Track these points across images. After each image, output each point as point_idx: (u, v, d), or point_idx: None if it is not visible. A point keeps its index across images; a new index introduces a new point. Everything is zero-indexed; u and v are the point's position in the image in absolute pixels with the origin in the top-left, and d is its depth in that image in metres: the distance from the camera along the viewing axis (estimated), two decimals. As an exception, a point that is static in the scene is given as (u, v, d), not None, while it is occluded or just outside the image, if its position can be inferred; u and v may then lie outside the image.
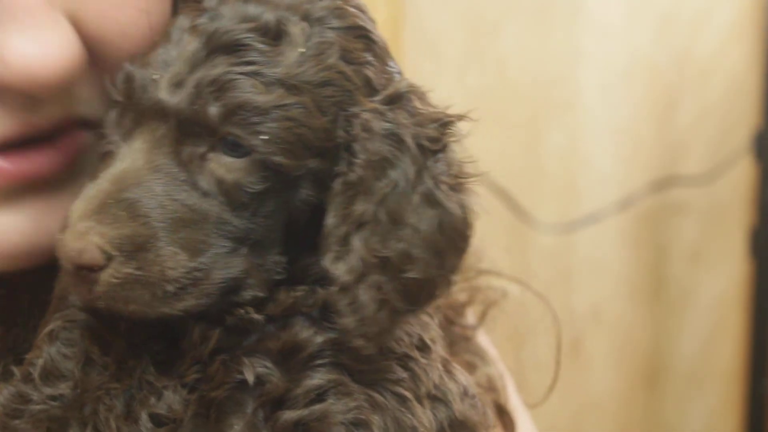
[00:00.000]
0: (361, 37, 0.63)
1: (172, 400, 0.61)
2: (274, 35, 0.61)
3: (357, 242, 0.60)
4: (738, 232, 2.48)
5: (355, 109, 0.61)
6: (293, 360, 0.62)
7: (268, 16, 0.61)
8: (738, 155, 2.43)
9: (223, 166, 0.60)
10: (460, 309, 0.82)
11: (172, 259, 0.59)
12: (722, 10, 2.38)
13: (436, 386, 0.64)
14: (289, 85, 0.60)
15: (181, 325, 0.62)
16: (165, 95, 0.60)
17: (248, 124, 0.59)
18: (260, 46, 0.60)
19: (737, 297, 2.50)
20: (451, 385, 0.65)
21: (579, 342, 2.28)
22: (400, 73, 0.65)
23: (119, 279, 0.58)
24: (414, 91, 0.64)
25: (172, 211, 0.60)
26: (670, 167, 2.37)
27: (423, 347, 0.65)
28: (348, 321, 0.60)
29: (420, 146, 0.62)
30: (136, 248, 0.59)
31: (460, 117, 0.64)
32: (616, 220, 2.30)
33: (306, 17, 0.62)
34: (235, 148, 0.60)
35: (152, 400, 0.61)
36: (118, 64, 0.63)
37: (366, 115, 0.61)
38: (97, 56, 0.63)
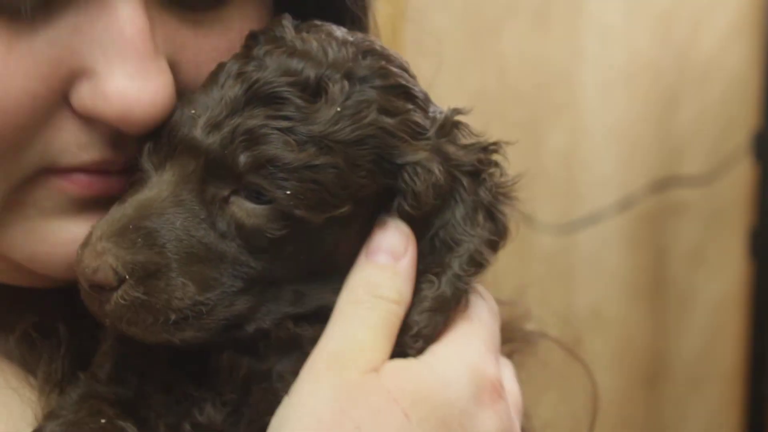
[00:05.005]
0: (402, 94, 0.64)
1: (212, 413, 0.63)
2: (313, 92, 0.62)
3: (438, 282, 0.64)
4: (738, 233, 2.48)
5: (405, 157, 0.63)
6: None
7: (310, 72, 0.62)
8: (738, 155, 2.43)
9: (244, 210, 0.61)
10: None
11: (181, 290, 0.61)
12: (722, 10, 2.38)
13: None
14: (322, 145, 0.61)
15: (207, 349, 0.64)
16: (200, 134, 0.61)
17: (274, 178, 0.60)
18: (298, 101, 0.61)
19: (737, 298, 2.49)
20: None
21: (579, 342, 2.28)
22: (441, 112, 0.67)
23: (127, 301, 0.60)
24: (456, 123, 0.67)
25: (187, 246, 0.61)
26: (670, 167, 2.37)
27: None
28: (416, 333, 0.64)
29: (470, 173, 0.66)
30: (147, 274, 0.60)
31: (498, 143, 0.68)
32: (616, 220, 2.30)
33: (348, 76, 0.63)
34: (258, 196, 0.61)
35: (194, 411, 0.63)
36: (198, 85, 0.65)
37: (419, 156, 0.63)
38: None
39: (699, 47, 2.36)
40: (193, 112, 0.62)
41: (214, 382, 0.63)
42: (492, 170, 0.67)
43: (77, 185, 0.66)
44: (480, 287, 0.68)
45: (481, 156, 0.67)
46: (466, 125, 0.68)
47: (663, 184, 2.36)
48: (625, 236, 2.33)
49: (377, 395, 0.58)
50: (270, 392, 0.62)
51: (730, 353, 2.50)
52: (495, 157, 0.68)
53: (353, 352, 0.60)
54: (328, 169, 0.61)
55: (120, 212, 0.62)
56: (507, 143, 0.70)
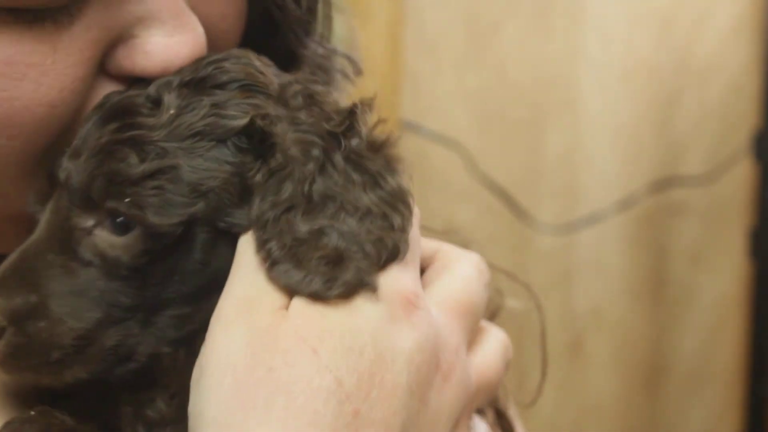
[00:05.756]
0: (242, 87, 0.65)
1: (162, 407, 0.63)
2: (153, 104, 0.64)
3: (291, 222, 0.61)
4: (738, 232, 2.48)
5: (242, 127, 0.63)
6: None
7: (152, 88, 0.64)
8: (738, 155, 2.43)
9: (106, 241, 0.62)
10: None
11: (59, 326, 0.61)
12: (722, 10, 2.38)
13: None
14: (160, 150, 0.62)
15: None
16: (63, 165, 0.63)
17: (123, 194, 0.61)
18: (144, 110, 0.63)
19: (737, 297, 2.49)
20: None
21: (579, 342, 2.28)
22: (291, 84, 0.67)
23: (11, 348, 0.61)
24: (308, 92, 0.66)
25: (61, 281, 0.61)
26: (671, 167, 2.37)
27: None
28: (291, 283, 0.60)
29: (330, 132, 0.64)
30: (25, 317, 0.61)
31: (362, 103, 0.66)
32: (617, 220, 2.30)
33: (184, 83, 0.65)
34: (119, 225, 0.61)
35: (147, 411, 0.63)
36: (217, 43, 0.69)
37: (271, 116, 0.63)
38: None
39: (699, 47, 2.36)
40: (66, 149, 0.64)
41: (161, 381, 0.63)
42: (357, 129, 0.64)
43: None
44: None
45: (342, 117, 0.65)
46: (322, 92, 0.67)
47: (663, 184, 2.36)
48: (625, 236, 2.33)
49: (286, 336, 0.58)
50: None
51: (730, 353, 2.51)
52: (361, 116, 0.65)
53: (259, 294, 0.60)
54: (168, 173, 0.61)
55: (7, 260, 0.63)
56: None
